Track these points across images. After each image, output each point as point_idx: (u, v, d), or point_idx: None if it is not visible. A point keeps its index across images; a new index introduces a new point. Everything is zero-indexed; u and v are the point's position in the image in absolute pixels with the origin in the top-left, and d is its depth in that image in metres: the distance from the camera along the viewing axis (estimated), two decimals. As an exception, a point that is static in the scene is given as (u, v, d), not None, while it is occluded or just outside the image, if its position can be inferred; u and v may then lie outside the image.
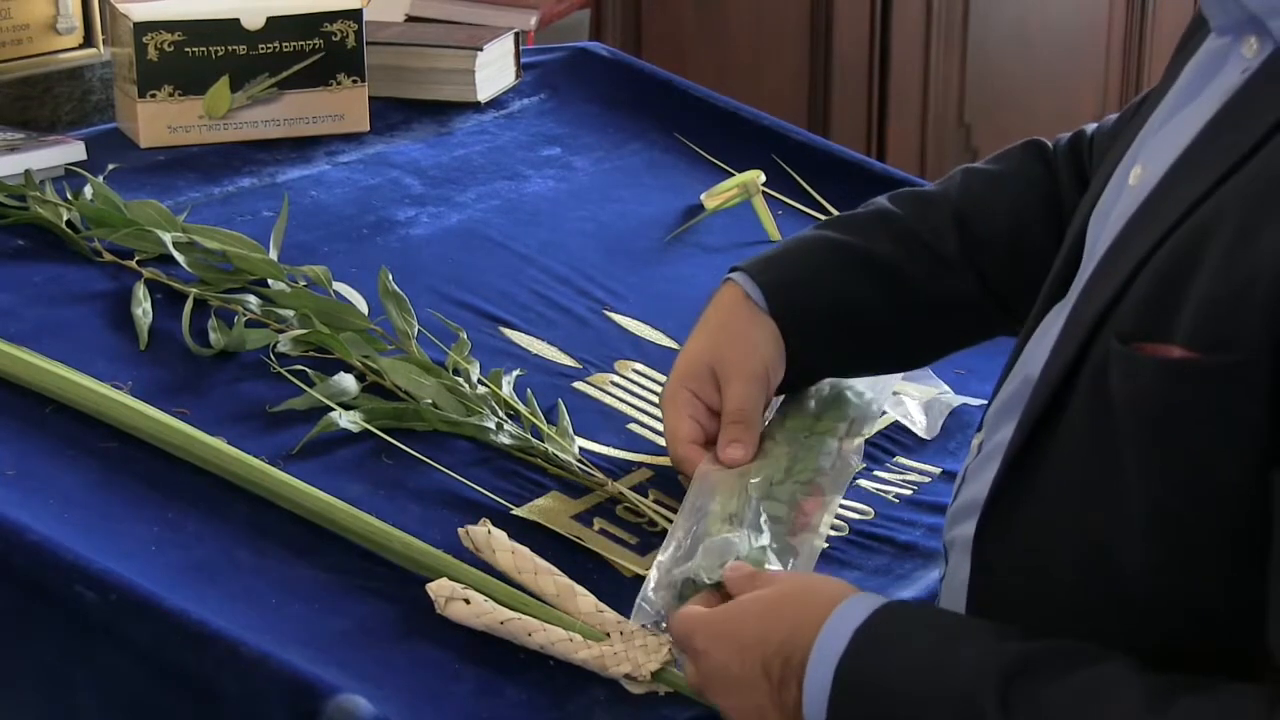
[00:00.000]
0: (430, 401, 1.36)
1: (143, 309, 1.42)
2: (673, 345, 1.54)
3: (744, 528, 1.18)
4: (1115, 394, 0.95)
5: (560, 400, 1.41)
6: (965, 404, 1.52)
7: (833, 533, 1.30)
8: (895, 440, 1.47)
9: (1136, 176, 1.05)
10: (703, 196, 1.80)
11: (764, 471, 1.25)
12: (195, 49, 1.78)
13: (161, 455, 1.26)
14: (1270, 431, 0.89)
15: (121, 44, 1.81)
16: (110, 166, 1.65)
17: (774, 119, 1.97)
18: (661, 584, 1.15)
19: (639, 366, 1.51)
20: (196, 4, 1.82)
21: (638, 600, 1.15)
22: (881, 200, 1.39)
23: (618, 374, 1.49)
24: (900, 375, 1.46)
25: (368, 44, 1.85)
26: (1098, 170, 1.17)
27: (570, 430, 1.37)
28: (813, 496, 1.24)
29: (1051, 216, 1.33)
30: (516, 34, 2.04)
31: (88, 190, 1.57)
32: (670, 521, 1.27)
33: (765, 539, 1.18)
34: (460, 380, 1.38)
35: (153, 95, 1.78)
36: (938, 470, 1.42)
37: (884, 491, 1.39)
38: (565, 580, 1.17)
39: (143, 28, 1.76)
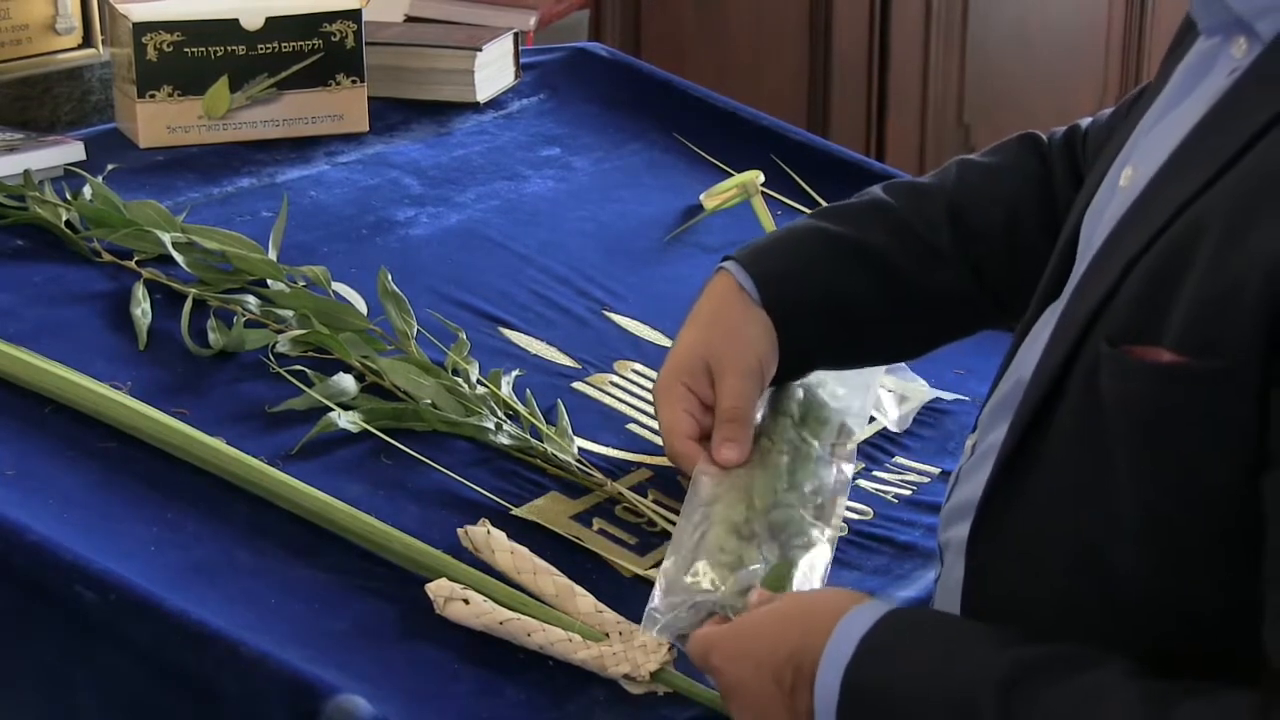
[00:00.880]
0: (429, 402, 1.36)
1: (142, 309, 1.42)
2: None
3: (754, 543, 1.18)
4: (1105, 396, 0.95)
5: (559, 400, 1.41)
6: (939, 398, 1.52)
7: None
8: (894, 441, 1.47)
9: (1127, 178, 1.05)
10: (702, 197, 1.80)
11: (765, 479, 1.25)
12: (194, 49, 1.78)
13: (161, 455, 1.26)
14: (1259, 435, 0.89)
15: (121, 44, 1.81)
16: (109, 167, 1.65)
17: (773, 119, 1.97)
18: (672, 592, 1.15)
19: (638, 367, 1.51)
20: (196, 4, 1.82)
21: (647, 610, 1.15)
22: (875, 190, 1.38)
23: (617, 374, 1.49)
24: (883, 369, 1.45)
25: (367, 44, 1.85)
26: (1092, 168, 1.17)
27: (569, 430, 1.37)
28: (821, 503, 1.25)
29: (1046, 210, 1.33)
30: (516, 34, 2.04)
31: (87, 190, 1.57)
32: (670, 522, 1.27)
33: (778, 552, 1.18)
34: (459, 380, 1.38)
35: (152, 95, 1.78)
36: (936, 470, 1.43)
37: (883, 492, 1.39)
38: (564, 580, 1.17)
39: (142, 28, 1.76)
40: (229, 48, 1.79)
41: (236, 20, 1.79)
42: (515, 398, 1.39)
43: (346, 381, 1.36)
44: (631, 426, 1.42)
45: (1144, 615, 0.95)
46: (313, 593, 1.16)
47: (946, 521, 1.14)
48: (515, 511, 1.27)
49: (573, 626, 1.14)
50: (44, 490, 1.20)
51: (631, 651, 1.12)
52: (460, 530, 1.20)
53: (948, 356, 1.47)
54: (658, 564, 1.21)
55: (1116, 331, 0.95)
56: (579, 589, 1.17)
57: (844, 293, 1.31)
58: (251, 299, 1.45)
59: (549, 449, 1.34)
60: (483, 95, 1.95)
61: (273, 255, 1.50)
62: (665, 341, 1.55)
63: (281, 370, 1.37)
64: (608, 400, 1.45)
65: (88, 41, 1.95)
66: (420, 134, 1.88)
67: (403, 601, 1.16)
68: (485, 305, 1.55)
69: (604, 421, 1.41)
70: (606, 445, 1.38)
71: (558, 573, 1.17)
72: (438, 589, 1.15)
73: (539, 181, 1.82)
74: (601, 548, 1.25)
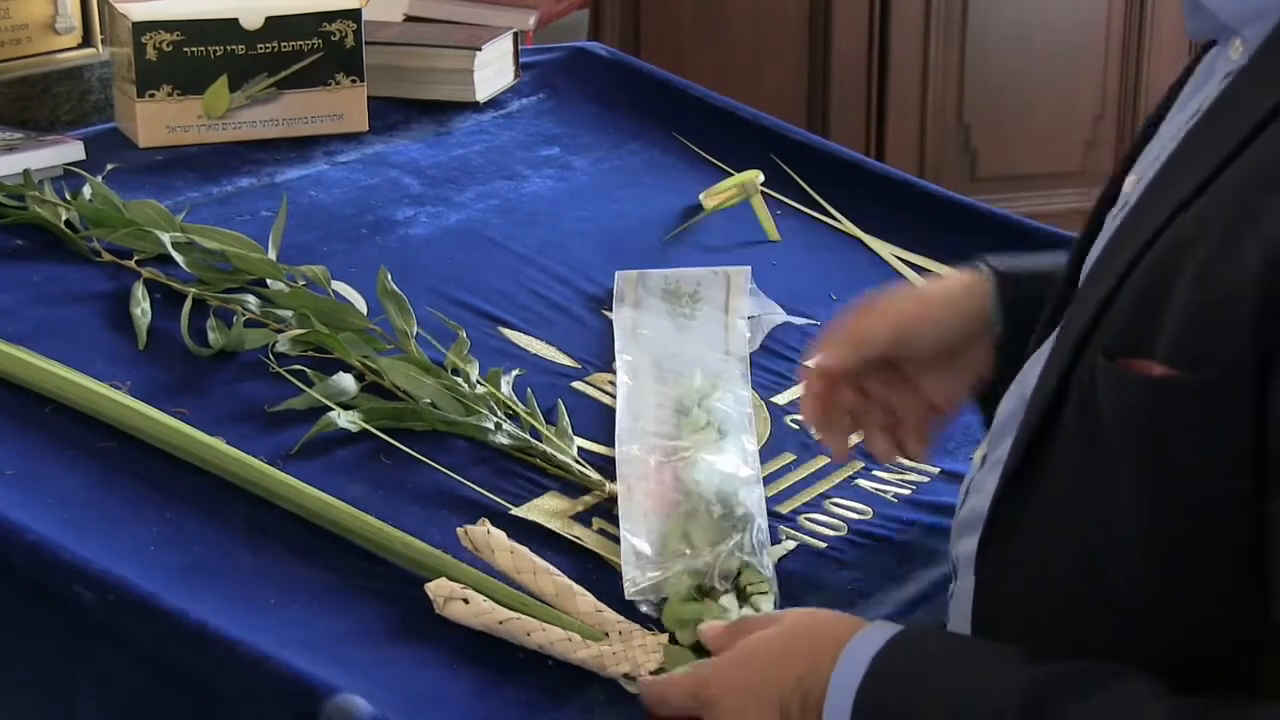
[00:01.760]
0: (429, 401, 1.36)
1: (141, 309, 1.42)
2: (671, 345, 1.54)
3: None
4: (1103, 410, 0.95)
5: (559, 400, 1.41)
6: (789, 323, 1.56)
7: (831, 533, 1.31)
8: (894, 440, 1.47)
9: (1131, 184, 1.05)
10: (701, 196, 1.80)
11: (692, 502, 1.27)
12: (194, 49, 1.78)
13: (161, 455, 1.26)
14: (1255, 447, 0.88)
15: (120, 44, 1.81)
16: (109, 166, 1.65)
17: (773, 119, 1.97)
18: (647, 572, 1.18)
19: (638, 366, 1.51)
20: (195, 4, 1.82)
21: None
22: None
23: (616, 374, 1.49)
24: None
25: (366, 44, 1.85)
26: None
27: (569, 430, 1.37)
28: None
29: None
30: (515, 34, 2.04)
31: (86, 190, 1.57)
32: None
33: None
34: (459, 380, 1.38)
35: (151, 95, 1.78)
36: (936, 470, 1.42)
37: (882, 491, 1.39)
38: (564, 580, 1.17)
39: (141, 27, 1.76)
40: (228, 47, 1.79)
41: (236, 20, 1.79)
42: (515, 397, 1.39)
43: (346, 381, 1.36)
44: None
45: (1146, 624, 0.94)
46: (313, 593, 1.16)
47: (957, 534, 1.14)
48: (515, 511, 1.27)
49: (572, 626, 1.14)
50: (44, 490, 1.20)
51: (631, 651, 1.12)
52: (460, 530, 1.20)
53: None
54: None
55: (1111, 345, 0.95)
56: (579, 589, 1.17)
57: None
58: (251, 299, 1.45)
59: (549, 449, 1.34)
60: (482, 95, 1.95)
61: (272, 255, 1.50)
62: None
63: (281, 370, 1.37)
64: (608, 400, 1.45)
65: (87, 41, 1.96)
66: (420, 133, 1.88)
67: (403, 601, 1.16)
68: (485, 305, 1.55)
69: (604, 421, 1.41)
70: (606, 445, 1.38)
71: (557, 572, 1.17)
72: (437, 589, 1.15)
73: (538, 181, 1.82)
74: (601, 548, 1.25)
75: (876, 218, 1.80)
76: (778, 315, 1.57)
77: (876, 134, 3.61)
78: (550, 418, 1.38)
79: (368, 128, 1.85)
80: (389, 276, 1.45)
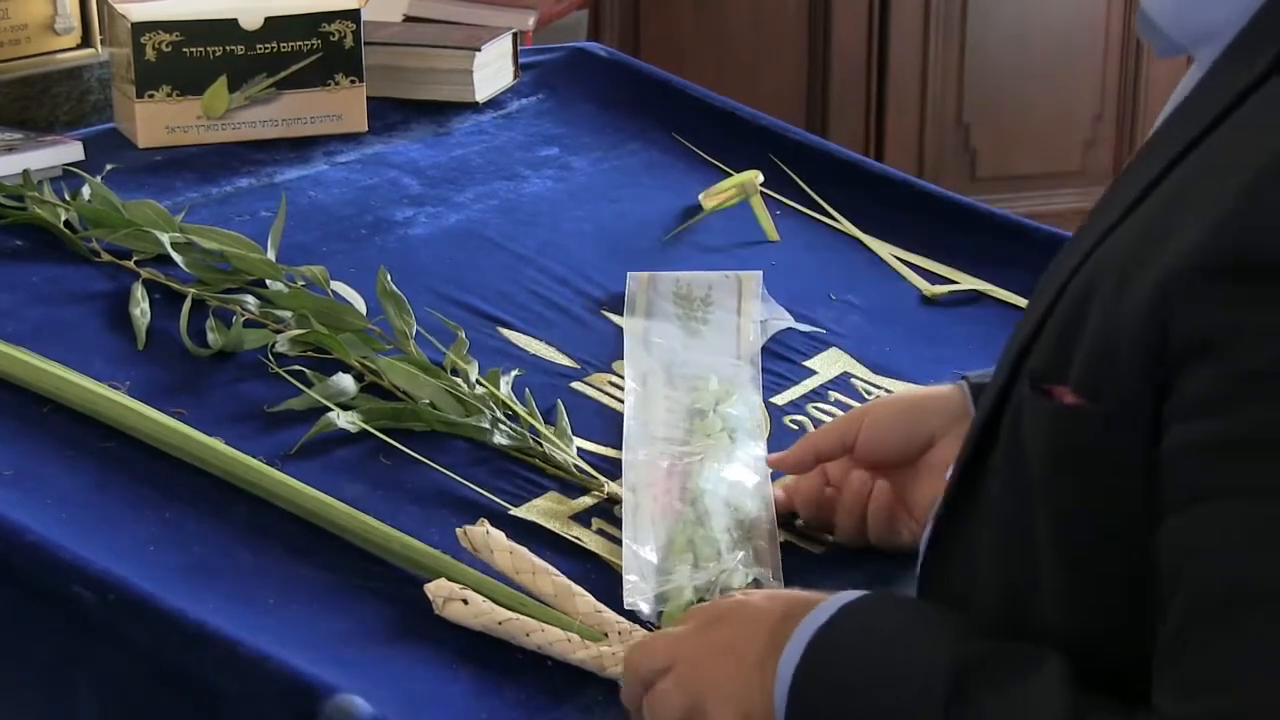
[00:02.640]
0: (428, 402, 1.36)
1: (141, 309, 1.42)
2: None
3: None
4: (1024, 435, 0.93)
5: (559, 400, 1.41)
6: (793, 328, 1.56)
7: (832, 537, 1.31)
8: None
9: None
10: (701, 196, 1.80)
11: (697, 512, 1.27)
12: (193, 49, 1.78)
13: (160, 455, 1.26)
14: (1146, 486, 0.86)
15: (119, 44, 1.81)
16: (108, 167, 1.65)
17: (772, 119, 1.97)
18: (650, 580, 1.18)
19: (637, 366, 1.51)
20: (195, 4, 1.82)
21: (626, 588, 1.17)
22: None
23: (616, 374, 1.49)
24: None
25: (366, 44, 1.85)
26: None
27: (568, 431, 1.37)
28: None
29: None
30: (514, 34, 2.03)
31: (86, 190, 1.57)
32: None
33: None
34: (458, 380, 1.38)
35: (151, 95, 1.78)
36: (936, 471, 1.42)
37: (882, 491, 1.38)
38: (563, 580, 1.17)
39: (141, 28, 1.76)
40: (228, 48, 1.79)
41: (235, 20, 1.79)
42: (514, 398, 1.39)
43: (345, 381, 1.36)
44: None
45: (1065, 650, 0.91)
46: (312, 593, 1.16)
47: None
48: (514, 511, 1.27)
49: (572, 626, 1.14)
50: (43, 490, 1.20)
51: (631, 651, 1.12)
52: (459, 530, 1.20)
53: (952, 359, 1.47)
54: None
55: (1036, 368, 0.93)
56: (578, 589, 1.17)
57: None
58: (250, 299, 1.45)
59: (548, 449, 1.34)
60: (481, 95, 1.95)
61: (271, 255, 1.50)
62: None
63: (280, 370, 1.37)
64: (607, 400, 1.45)
65: (86, 41, 1.96)
66: (419, 134, 1.88)
67: (402, 601, 1.16)
68: (484, 305, 1.55)
69: (603, 422, 1.41)
70: (605, 445, 1.38)
71: (557, 573, 1.17)
72: (437, 589, 1.15)
73: (538, 181, 1.82)
74: (600, 548, 1.25)
75: (876, 218, 1.80)
76: (785, 320, 1.57)
77: (876, 134, 3.61)
78: (549, 418, 1.38)
79: (367, 128, 1.85)
80: (388, 277, 1.45)
